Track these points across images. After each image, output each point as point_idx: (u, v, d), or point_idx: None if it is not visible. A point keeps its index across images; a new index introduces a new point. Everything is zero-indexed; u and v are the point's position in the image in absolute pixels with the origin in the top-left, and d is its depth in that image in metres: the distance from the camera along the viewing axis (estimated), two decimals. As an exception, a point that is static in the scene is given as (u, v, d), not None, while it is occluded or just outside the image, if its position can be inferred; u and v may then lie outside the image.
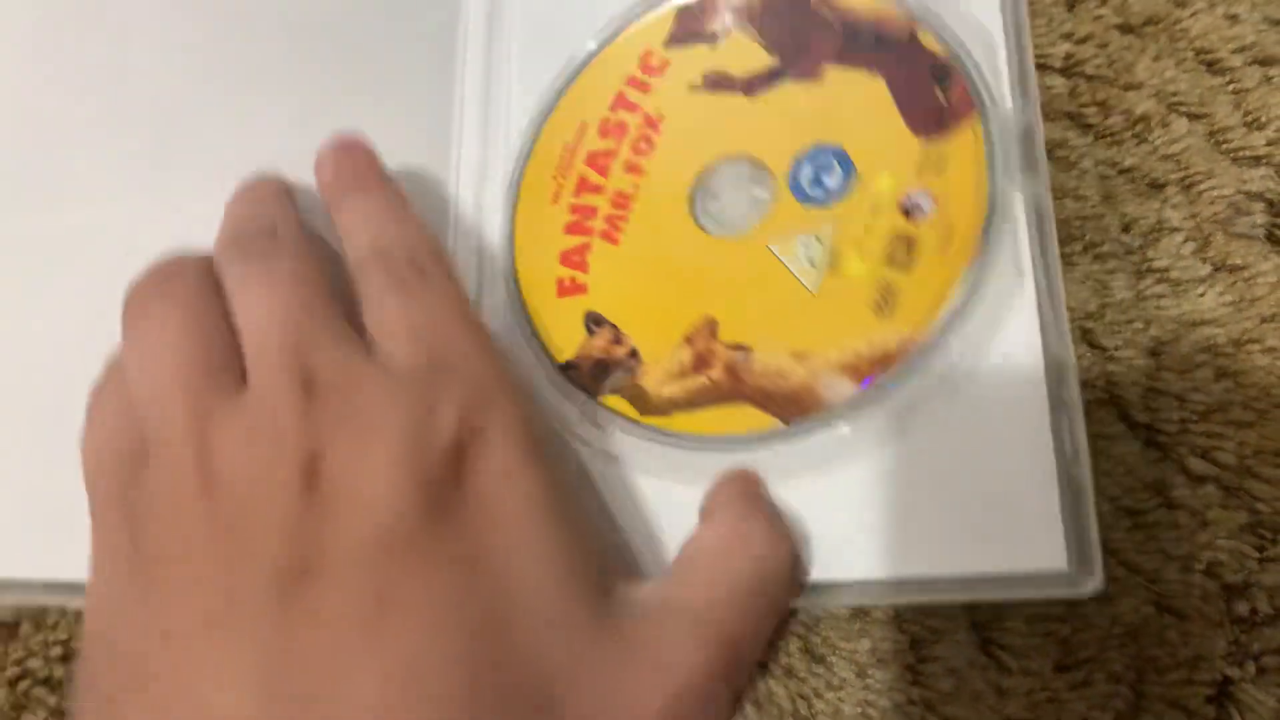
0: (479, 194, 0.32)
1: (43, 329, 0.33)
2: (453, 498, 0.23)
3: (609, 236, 0.31)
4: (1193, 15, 0.35)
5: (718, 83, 0.31)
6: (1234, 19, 0.35)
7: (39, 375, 0.33)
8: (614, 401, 0.30)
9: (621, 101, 0.32)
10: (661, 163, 0.31)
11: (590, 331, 0.30)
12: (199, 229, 0.28)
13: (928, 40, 0.30)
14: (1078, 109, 0.34)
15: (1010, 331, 0.28)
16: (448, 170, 0.33)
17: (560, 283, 0.31)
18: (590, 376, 0.30)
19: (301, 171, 0.31)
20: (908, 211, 0.29)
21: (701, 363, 0.29)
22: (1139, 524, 0.30)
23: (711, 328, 0.29)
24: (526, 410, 0.26)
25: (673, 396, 0.29)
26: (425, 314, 0.26)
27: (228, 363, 0.24)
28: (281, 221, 0.27)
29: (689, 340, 0.29)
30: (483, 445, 0.24)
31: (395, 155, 0.32)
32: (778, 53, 0.31)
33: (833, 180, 0.30)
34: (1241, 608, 0.29)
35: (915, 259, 0.28)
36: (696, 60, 0.32)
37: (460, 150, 0.33)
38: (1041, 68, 0.34)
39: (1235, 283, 0.32)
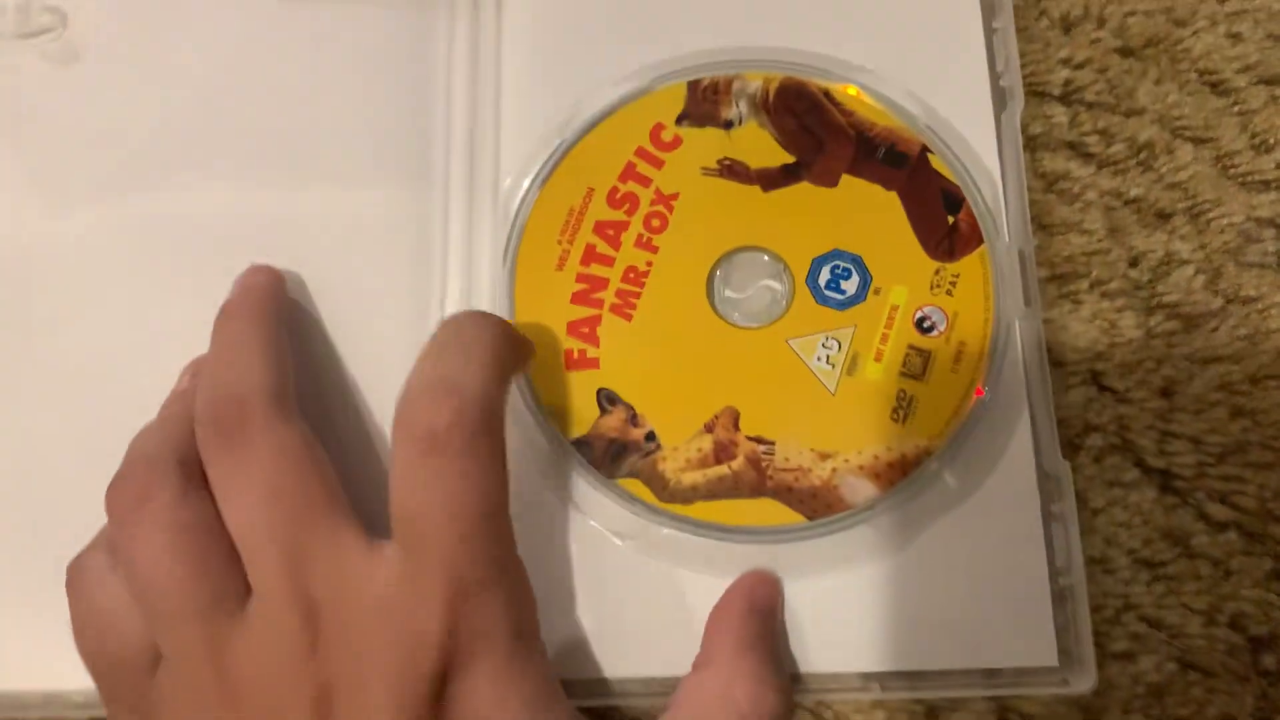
0: (469, 250, 0.31)
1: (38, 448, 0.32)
2: (445, 714, 0.23)
3: (621, 311, 0.30)
4: (1194, 35, 0.33)
5: (733, 171, 0.31)
6: (1237, 37, 0.33)
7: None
8: (631, 485, 0.29)
9: (632, 172, 0.31)
10: (676, 242, 0.31)
11: (603, 409, 0.29)
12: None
13: (937, 163, 0.30)
14: (1079, 138, 0.33)
15: (1008, 448, 0.29)
16: (433, 215, 0.31)
17: (569, 355, 0.30)
18: (604, 456, 0.29)
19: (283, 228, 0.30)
20: (922, 326, 0.29)
21: (724, 452, 0.29)
22: (1159, 576, 0.29)
23: (734, 418, 0.29)
24: (522, 603, 0.25)
25: (694, 484, 0.29)
26: (438, 493, 0.24)
27: (229, 575, 0.24)
28: (257, 389, 0.25)
29: (710, 428, 0.29)
30: (468, 659, 0.24)
31: (376, 211, 0.31)
32: (794, 151, 0.31)
33: (850, 287, 0.30)
34: (1269, 661, 0.28)
35: (930, 371, 0.29)
36: (710, 143, 0.31)
37: (449, 201, 0.31)
38: (1039, 95, 0.33)
39: (1249, 315, 0.31)
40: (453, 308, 0.31)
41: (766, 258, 0.31)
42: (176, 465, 0.25)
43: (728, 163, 0.31)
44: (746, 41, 0.32)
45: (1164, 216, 0.32)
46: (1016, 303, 0.30)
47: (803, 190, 0.31)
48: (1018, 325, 0.30)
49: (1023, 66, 0.33)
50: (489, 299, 0.31)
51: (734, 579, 0.28)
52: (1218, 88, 0.33)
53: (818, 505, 0.28)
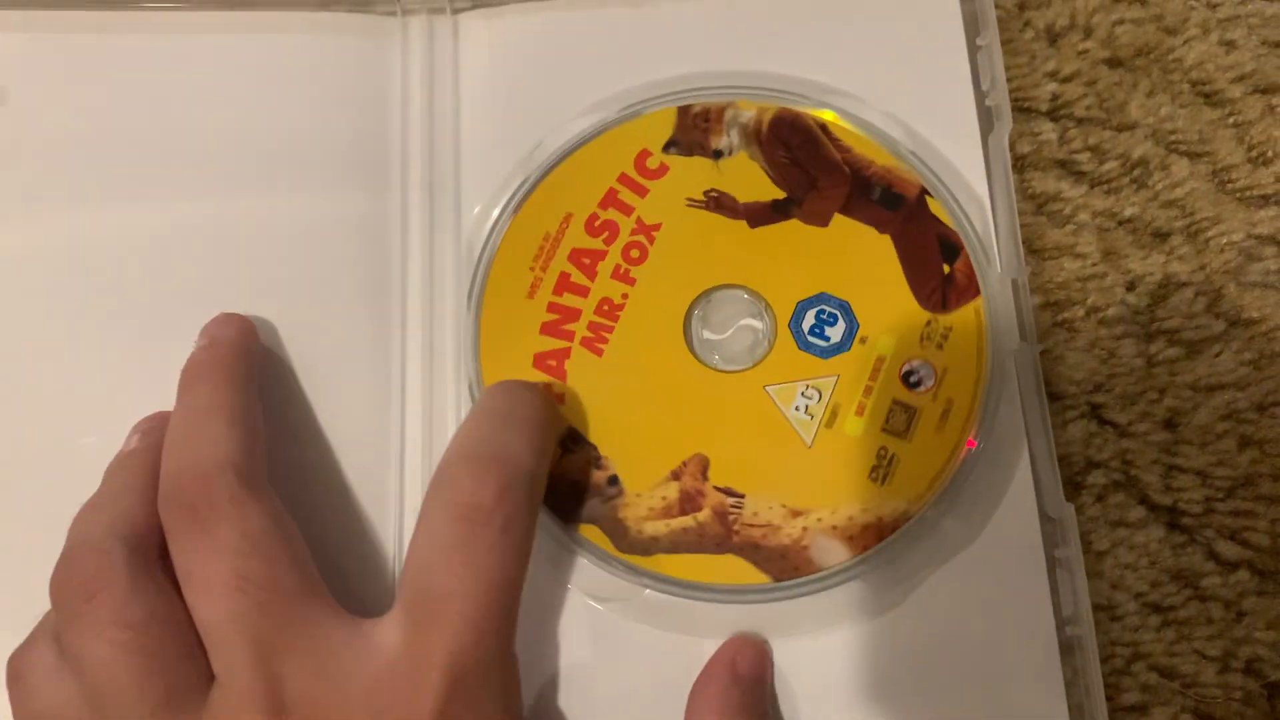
0: (431, 277, 0.29)
1: None
2: None
3: (591, 346, 0.28)
4: (1185, 44, 0.32)
5: (720, 204, 0.29)
6: (1230, 45, 0.32)
7: None
8: (588, 531, 0.27)
9: (613, 199, 0.29)
10: (654, 275, 0.29)
11: (565, 449, 0.28)
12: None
13: (936, 207, 0.29)
14: (1069, 156, 0.31)
15: (1007, 491, 0.27)
16: (393, 236, 0.30)
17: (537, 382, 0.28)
18: (563, 499, 0.27)
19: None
20: (908, 380, 0.28)
21: (689, 503, 0.27)
22: (1169, 621, 0.27)
23: (703, 466, 0.27)
24: (512, 693, 0.24)
25: (655, 535, 0.27)
26: (467, 576, 0.23)
27: (186, 669, 0.23)
28: (223, 465, 0.24)
29: (677, 476, 0.27)
30: None
31: (333, 236, 0.30)
32: (785, 187, 0.29)
33: (835, 334, 0.28)
34: (1287, 708, 0.27)
35: (914, 429, 0.27)
36: (697, 173, 0.30)
37: (407, 227, 0.30)
38: (1026, 111, 0.32)
39: (1253, 338, 0.29)
40: (415, 327, 0.29)
41: (747, 296, 0.29)
42: (125, 555, 0.23)
43: (715, 195, 0.29)
44: (725, 66, 0.31)
45: (1161, 236, 0.30)
46: (1011, 336, 0.28)
47: (791, 228, 0.29)
48: (1013, 360, 0.28)
49: (1008, 81, 0.31)
50: (453, 327, 0.29)
51: (710, 639, 0.27)
52: (1212, 98, 0.32)
53: (785, 566, 0.27)
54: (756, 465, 0.27)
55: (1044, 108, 0.32)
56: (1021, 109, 0.31)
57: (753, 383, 0.28)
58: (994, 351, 0.28)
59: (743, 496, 0.27)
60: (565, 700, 0.26)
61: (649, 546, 0.27)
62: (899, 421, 0.27)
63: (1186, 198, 0.31)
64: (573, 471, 0.27)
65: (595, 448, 0.28)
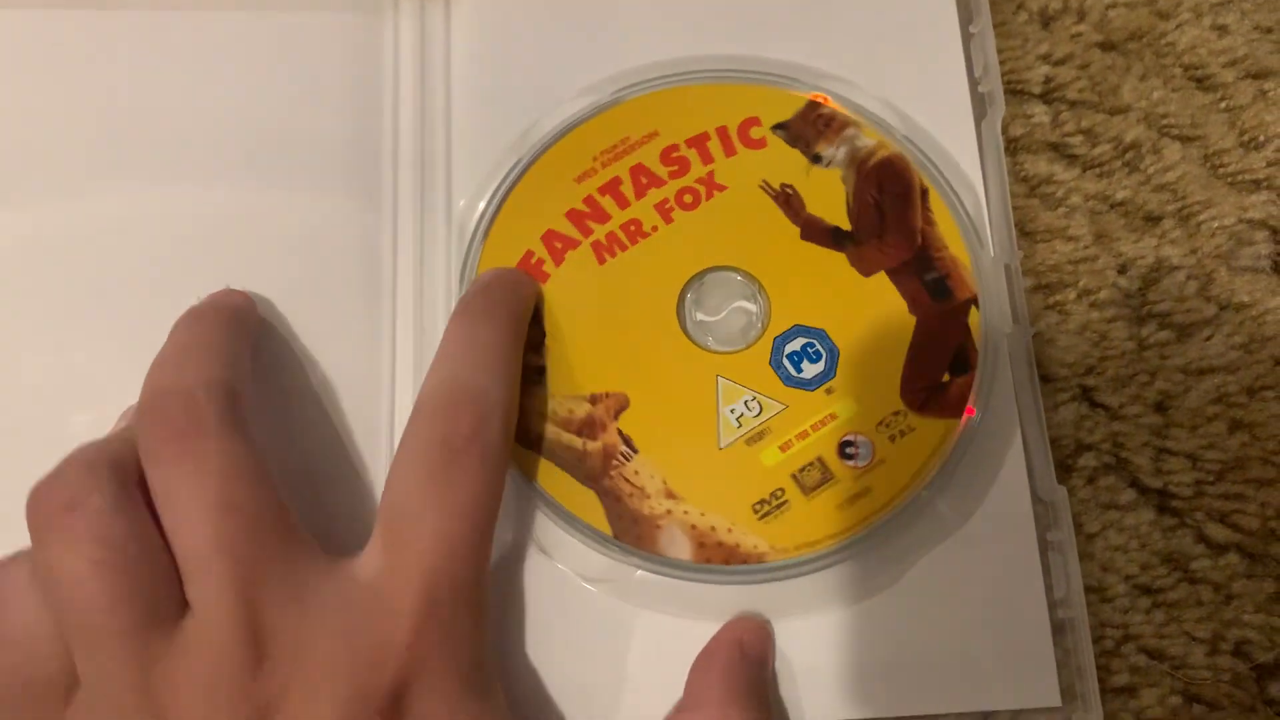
0: (422, 258, 0.29)
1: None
2: None
3: (599, 251, 0.29)
4: (1178, 28, 0.32)
5: (788, 202, 0.29)
6: (1223, 30, 0.32)
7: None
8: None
9: (701, 142, 0.29)
10: (690, 226, 0.29)
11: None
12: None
13: (974, 320, 0.28)
14: (1061, 139, 0.31)
15: (1000, 474, 0.27)
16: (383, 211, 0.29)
17: (528, 256, 0.29)
18: None
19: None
20: (844, 449, 0.27)
21: (589, 429, 0.27)
22: (1159, 603, 0.27)
23: (620, 406, 0.27)
24: (482, 635, 0.24)
25: (544, 435, 0.27)
26: (444, 504, 0.23)
27: (162, 593, 0.22)
28: (215, 387, 0.23)
29: (594, 400, 0.27)
30: (424, 684, 0.22)
31: (324, 226, 0.29)
32: (854, 222, 0.29)
33: (809, 371, 0.28)
34: (1275, 689, 0.27)
35: (819, 493, 0.27)
36: (788, 164, 0.29)
37: (397, 201, 0.29)
38: (1019, 94, 0.31)
39: (1243, 322, 0.29)
40: (405, 307, 0.29)
41: (754, 292, 0.29)
42: (111, 469, 0.22)
43: (789, 192, 0.29)
44: (715, 50, 0.30)
45: (1153, 220, 0.30)
46: (1004, 319, 0.28)
47: (835, 260, 0.28)
48: (1005, 343, 0.28)
49: (1001, 64, 0.31)
50: (444, 308, 0.29)
51: (703, 621, 0.26)
52: (1204, 83, 0.32)
53: (630, 532, 0.26)
54: (665, 435, 0.27)
55: (1037, 90, 0.31)
56: (1014, 91, 0.31)
57: (711, 365, 0.28)
58: (987, 334, 0.28)
59: (636, 453, 0.27)
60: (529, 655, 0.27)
61: (535, 443, 0.27)
62: (811, 478, 0.27)
63: (1178, 181, 0.31)
64: None
65: (545, 335, 0.28)
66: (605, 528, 0.27)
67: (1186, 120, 0.31)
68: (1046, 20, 0.32)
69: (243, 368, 0.25)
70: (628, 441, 0.27)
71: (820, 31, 0.31)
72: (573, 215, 0.29)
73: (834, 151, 0.29)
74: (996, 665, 0.26)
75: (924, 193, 0.29)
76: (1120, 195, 0.31)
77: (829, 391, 0.28)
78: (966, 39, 0.30)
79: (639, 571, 0.27)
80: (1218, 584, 0.27)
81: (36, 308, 0.29)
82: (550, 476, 0.27)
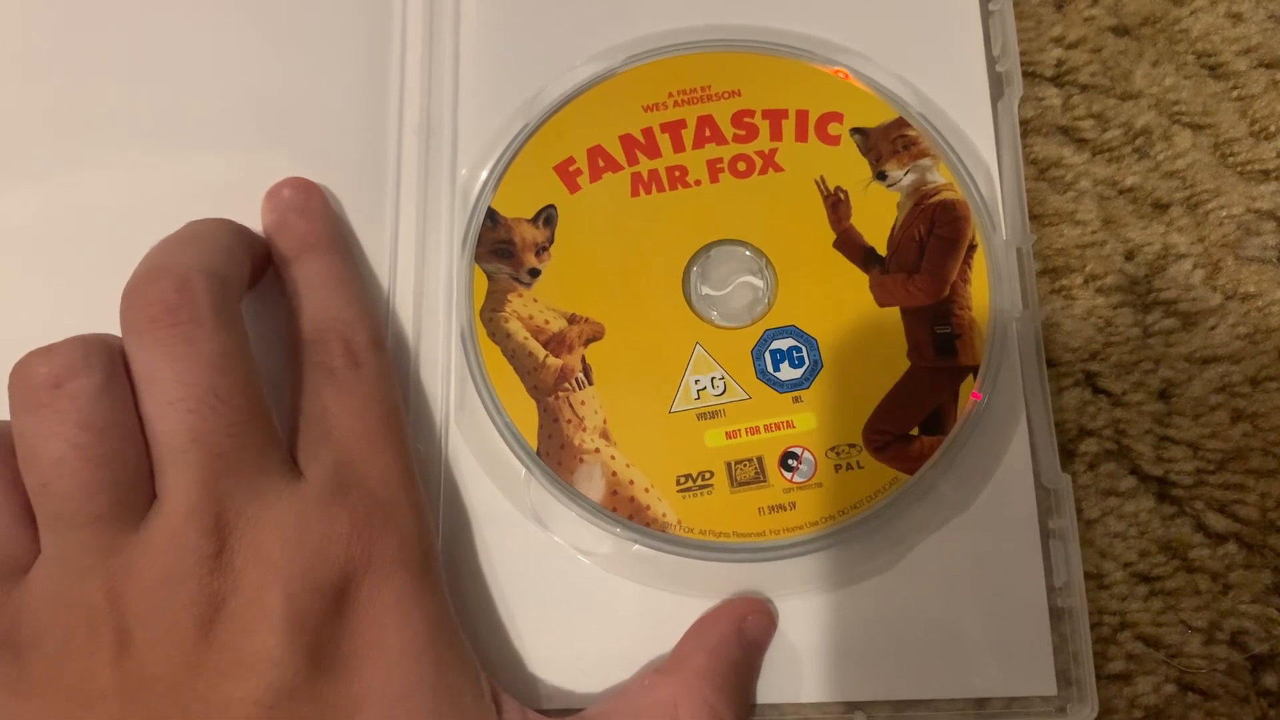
0: (425, 223, 0.29)
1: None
2: (336, 638, 0.22)
3: (635, 184, 0.29)
4: (1192, 14, 0.32)
5: (835, 206, 0.28)
6: (1237, 18, 0.32)
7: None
8: (482, 276, 0.28)
9: (778, 116, 0.29)
10: (731, 194, 0.29)
11: (538, 215, 0.29)
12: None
13: (966, 387, 0.27)
14: (1072, 123, 0.31)
15: (1003, 460, 0.27)
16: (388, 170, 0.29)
17: (568, 162, 0.29)
18: (489, 246, 0.28)
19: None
20: (786, 460, 0.27)
21: (556, 345, 0.27)
22: (1156, 591, 0.27)
23: (593, 335, 0.27)
24: (423, 530, 0.24)
25: (511, 333, 0.28)
26: (345, 414, 0.24)
27: (136, 484, 0.22)
28: (213, 273, 0.23)
29: (571, 320, 0.28)
30: (371, 576, 0.23)
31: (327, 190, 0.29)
32: (892, 250, 0.28)
33: (784, 374, 0.27)
34: (1270, 680, 0.27)
35: (739, 492, 0.26)
36: (849, 169, 0.29)
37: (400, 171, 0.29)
38: (1031, 76, 0.31)
39: (1249, 313, 0.29)
40: (406, 273, 0.29)
41: (764, 282, 0.28)
42: (104, 351, 0.22)
43: (841, 197, 0.28)
44: (730, 20, 0.30)
45: (1161, 207, 0.30)
46: (1014, 302, 0.28)
47: (856, 277, 0.28)
48: (1014, 328, 0.28)
49: (1013, 45, 0.31)
50: (445, 274, 0.29)
51: (698, 598, 0.26)
52: (1217, 71, 0.31)
53: (553, 456, 0.27)
54: (624, 379, 0.27)
55: (1049, 73, 0.31)
56: (1026, 73, 0.31)
57: (693, 332, 0.28)
58: (995, 317, 0.27)
59: (590, 384, 0.27)
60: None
61: (498, 331, 0.28)
62: (744, 474, 0.27)
63: (1188, 169, 0.30)
64: (515, 235, 0.28)
65: (551, 243, 0.28)
66: (532, 441, 0.27)
67: (1198, 108, 0.31)
68: (1060, 3, 0.32)
69: (241, 268, 0.25)
70: (586, 371, 0.27)
71: (838, 4, 0.30)
72: (626, 140, 0.29)
73: (901, 175, 0.28)
74: (993, 651, 0.26)
75: (971, 248, 0.28)
76: (1129, 181, 0.30)
77: (795, 400, 0.27)
78: (985, 17, 0.30)
79: (544, 492, 0.27)
80: (1215, 573, 0.27)
81: (38, 283, 0.29)
82: (500, 374, 0.27)
